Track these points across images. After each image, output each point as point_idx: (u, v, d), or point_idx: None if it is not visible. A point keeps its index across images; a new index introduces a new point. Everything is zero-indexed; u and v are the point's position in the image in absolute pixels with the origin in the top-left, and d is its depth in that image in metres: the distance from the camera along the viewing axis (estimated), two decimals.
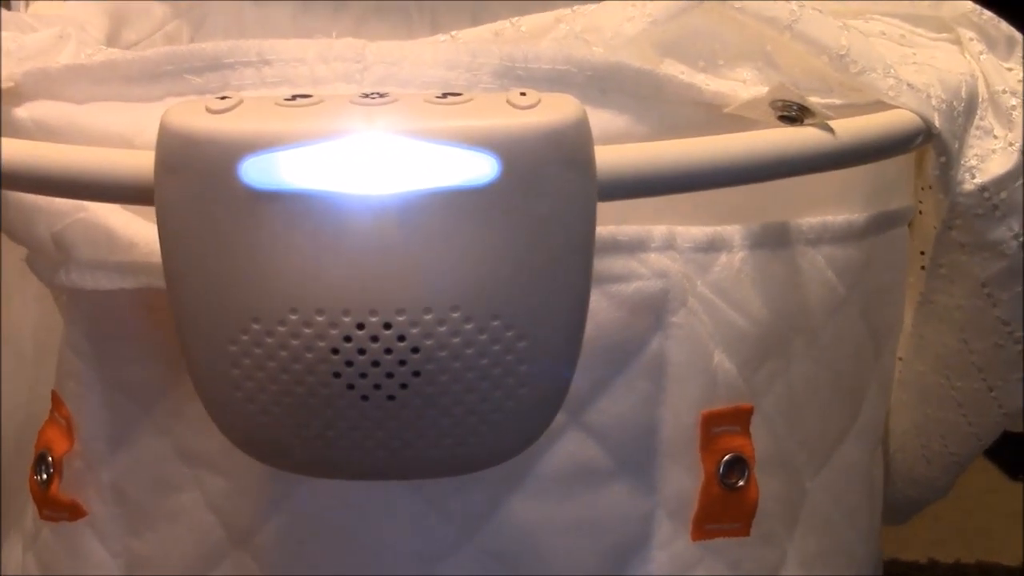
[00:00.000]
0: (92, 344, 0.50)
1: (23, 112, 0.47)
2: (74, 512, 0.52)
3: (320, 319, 0.40)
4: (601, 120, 0.46)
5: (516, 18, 0.57)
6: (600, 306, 0.47)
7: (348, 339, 0.40)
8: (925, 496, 0.64)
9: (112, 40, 0.67)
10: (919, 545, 1.05)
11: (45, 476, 0.52)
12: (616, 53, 0.49)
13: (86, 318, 0.49)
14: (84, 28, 0.61)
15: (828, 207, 0.53)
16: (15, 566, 0.56)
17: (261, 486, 0.48)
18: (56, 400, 0.52)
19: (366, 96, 0.40)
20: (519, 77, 0.47)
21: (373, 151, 0.39)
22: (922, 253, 0.57)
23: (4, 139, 0.44)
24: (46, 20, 0.59)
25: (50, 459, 0.51)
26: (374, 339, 0.40)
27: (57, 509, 0.52)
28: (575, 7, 0.54)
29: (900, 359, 0.61)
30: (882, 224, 0.55)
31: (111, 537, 0.52)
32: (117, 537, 0.52)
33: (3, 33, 0.51)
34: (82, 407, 0.51)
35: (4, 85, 0.46)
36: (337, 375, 0.40)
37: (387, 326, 0.40)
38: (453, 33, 0.57)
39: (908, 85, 0.49)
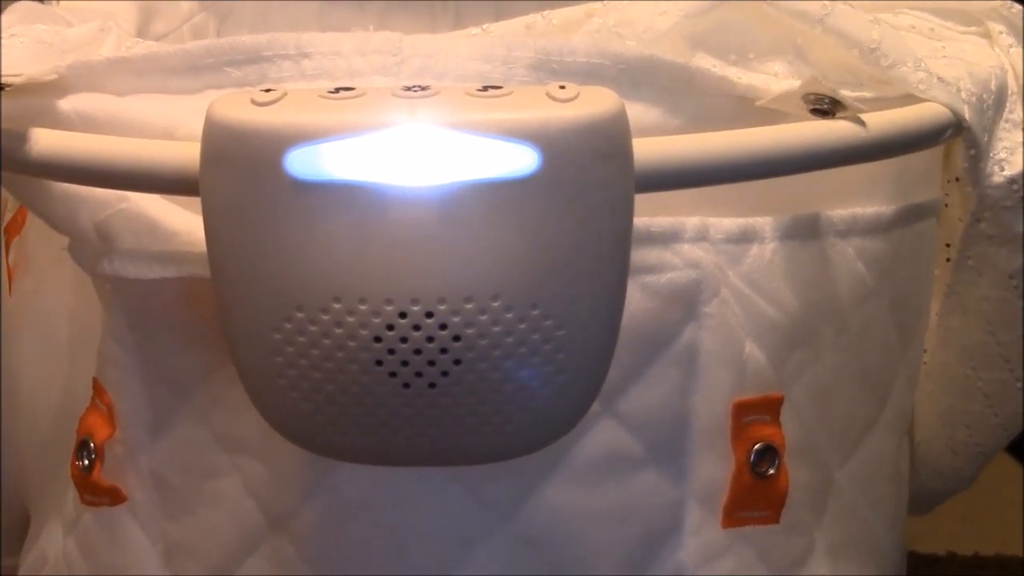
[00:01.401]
0: (133, 332, 0.50)
1: (66, 104, 0.47)
2: (114, 497, 0.52)
3: (363, 308, 0.40)
4: (634, 113, 0.46)
5: (547, 11, 0.58)
6: (633, 296, 0.48)
7: (391, 327, 0.40)
8: (950, 487, 0.65)
9: (141, 33, 0.68)
10: (937, 538, 1.05)
11: (87, 462, 0.52)
12: (649, 47, 0.50)
13: (128, 307, 0.50)
14: (116, 21, 0.62)
15: (857, 199, 0.53)
16: (55, 550, 0.57)
17: (299, 471, 0.49)
18: (97, 387, 0.52)
19: (408, 89, 0.41)
20: (553, 70, 0.47)
21: (415, 143, 0.39)
22: (948, 245, 0.58)
23: (49, 131, 0.45)
24: (80, 14, 0.60)
25: (92, 445, 0.52)
26: (416, 327, 0.40)
27: (98, 494, 0.53)
28: (604, 2, 0.55)
29: (926, 351, 0.61)
30: (910, 216, 0.55)
31: (150, 522, 0.52)
32: (156, 522, 0.52)
33: (44, 27, 0.52)
34: (123, 394, 0.51)
35: (47, 78, 0.47)
36: (379, 363, 0.41)
37: (429, 315, 0.40)
38: (485, 26, 0.57)
39: (938, 79, 0.50)
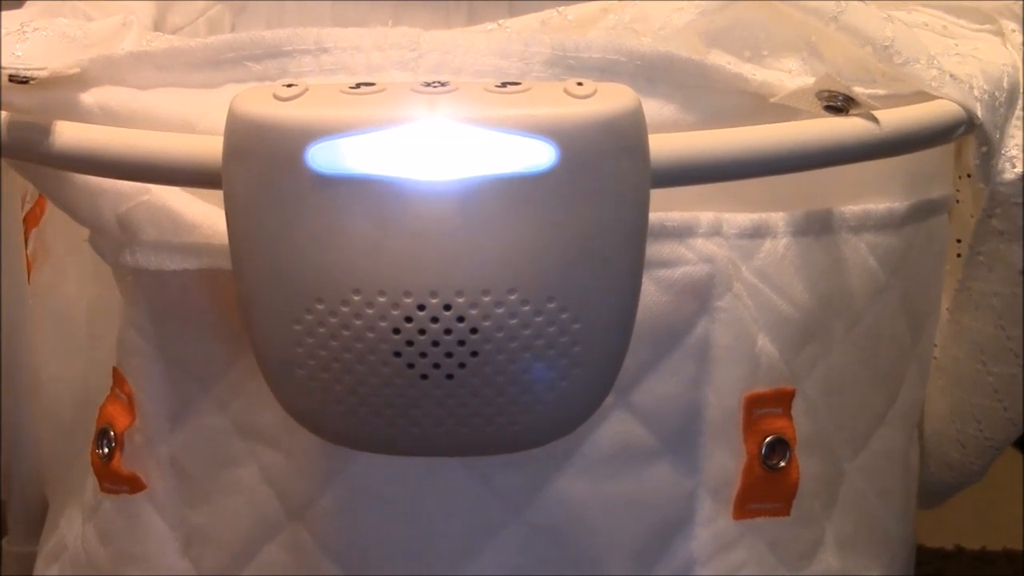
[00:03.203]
0: (154, 323, 0.51)
1: (89, 98, 0.48)
2: (134, 485, 0.53)
3: (382, 300, 0.41)
4: (649, 109, 0.46)
5: (563, 7, 0.58)
6: (647, 290, 0.49)
7: (409, 320, 0.41)
8: (960, 480, 0.65)
9: (157, 25, 0.69)
10: (945, 532, 1.05)
11: (107, 450, 0.53)
12: (664, 43, 0.50)
13: (149, 298, 0.50)
14: (133, 14, 0.62)
15: (870, 195, 0.54)
16: (74, 537, 0.58)
17: (317, 461, 0.49)
18: (118, 377, 0.53)
19: (427, 84, 0.41)
20: (570, 66, 0.48)
21: (435, 138, 0.40)
22: (959, 241, 0.58)
23: (72, 124, 0.45)
24: (100, 8, 0.61)
25: (112, 434, 0.53)
26: (434, 320, 0.41)
27: (118, 482, 0.53)
28: None
29: (936, 345, 0.62)
30: (922, 212, 0.55)
31: (169, 510, 0.53)
32: (175, 510, 0.53)
33: (66, 20, 0.52)
34: (143, 384, 0.52)
35: (70, 71, 0.47)
36: (397, 354, 0.42)
37: (447, 307, 0.41)
38: (500, 22, 0.58)
39: (951, 76, 0.50)
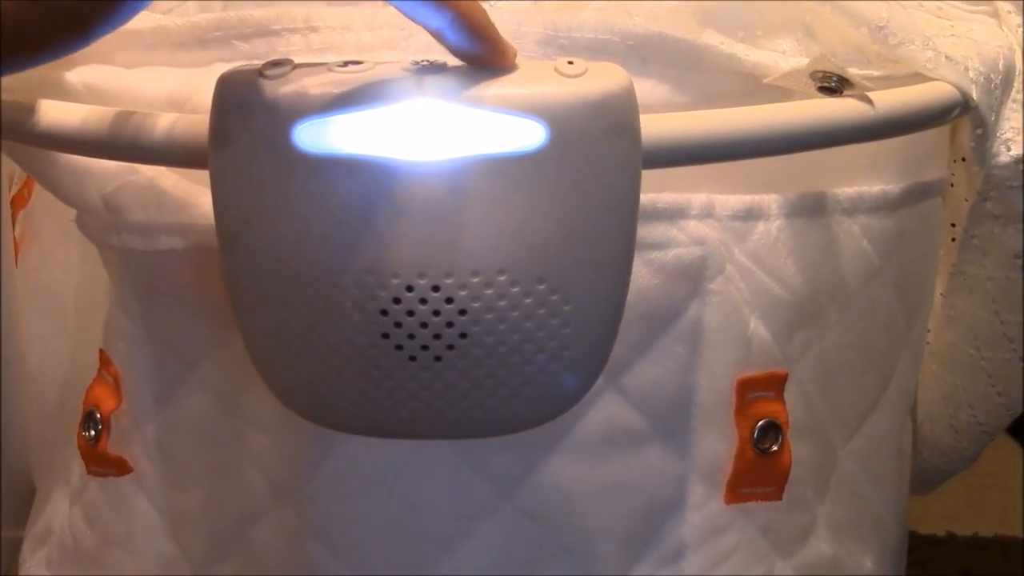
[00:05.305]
0: (141, 304, 0.50)
1: (74, 76, 0.47)
2: (121, 468, 0.53)
3: (370, 281, 0.40)
4: (642, 89, 0.46)
5: None
6: (639, 272, 0.48)
7: (397, 301, 0.41)
8: (952, 466, 0.65)
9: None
10: (937, 518, 1.06)
11: (93, 433, 0.53)
12: (657, 23, 0.50)
13: (136, 278, 0.50)
14: None
15: (864, 177, 0.53)
16: (61, 520, 0.57)
17: (305, 443, 0.49)
18: (104, 358, 0.53)
19: (417, 63, 0.41)
20: (561, 46, 0.48)
21: (424, 117, 0.39)
22: (953, 225, 0.58)
23: (57, 103, 0.45)
24: None
25: (98, 416, 0.53)
26: (423, 301, 0.41)
27: (105, 465, 0.53)
28: None
29: (930, 330, 0.61)
30: (917, 195, 0.55)
31: (156, 492, 0.53)
32: (162, 492, 0.53)
33: None
34: (130, 365, 0.51)
35: None
36: (386, 336, 0.41)
37: (435, 288, 0.40)
38: (492, 2, 0.57)
39: (946, 57, 0.50)
